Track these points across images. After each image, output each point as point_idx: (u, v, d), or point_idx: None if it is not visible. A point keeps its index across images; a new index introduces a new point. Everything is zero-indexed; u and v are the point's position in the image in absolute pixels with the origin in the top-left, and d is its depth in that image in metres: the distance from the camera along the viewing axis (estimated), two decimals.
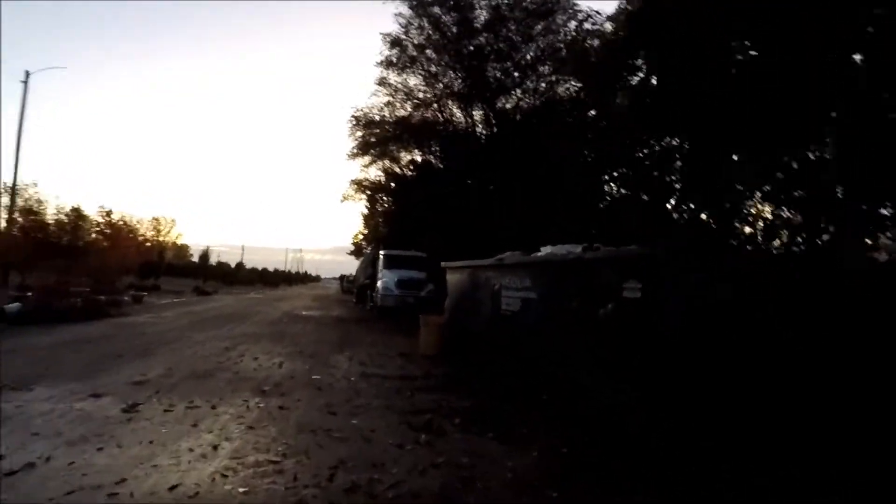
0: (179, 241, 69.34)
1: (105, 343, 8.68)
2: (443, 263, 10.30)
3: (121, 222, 27.11)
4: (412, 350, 9.71)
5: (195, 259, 71.85)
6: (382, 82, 21.36)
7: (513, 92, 19.25)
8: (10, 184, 21.76)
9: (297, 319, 15.37)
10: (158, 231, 79.82)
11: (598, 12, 15.48)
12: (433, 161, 28.60)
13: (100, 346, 8.38)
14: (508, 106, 19.73)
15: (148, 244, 35.43)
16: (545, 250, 7.15)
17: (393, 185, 33.52)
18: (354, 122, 23.00)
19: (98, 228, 23.04)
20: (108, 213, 23.18)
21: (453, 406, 5.47)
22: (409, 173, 31.63)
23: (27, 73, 23.47)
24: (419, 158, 29.22)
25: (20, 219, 23.19)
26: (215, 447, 3.73)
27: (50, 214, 22.76)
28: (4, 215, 21.40)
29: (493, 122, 20.32)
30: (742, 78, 7.77)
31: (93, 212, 27.03)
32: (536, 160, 18.10)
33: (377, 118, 22.80)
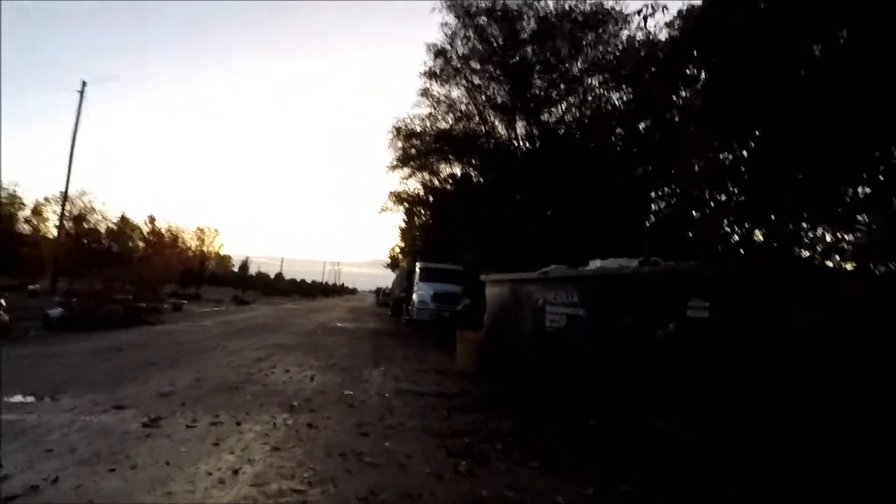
0: (222, 252, 71.36)
1: (139, 351, 8.59)
2: (482, 277, 9.87)
3: (165, 231, 27.95)
4: (448, 366, 9.29)
5: (236, 269, 73.62)
6: (425, 93, 21.22)
7: (558, 104, 18.76)
8: (62, 192, 22.50)
9: (331, 331, 15.18)
10: (202, 241, 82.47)
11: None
12: (472, 175, 28.39)
13: (133, 353, 8.28)
14: (553, 119, 19.26)
15: (191, 253, 36.25)
16: (595, 264, 6.65)
17: (431, 198, 33.50)
18: (395, 133, 22.92)
19: (143, 236, 23.62)
20: (153, 221, 23.75)
21: (494, 429, 5.01)
22: (448, 186, 31.53)
23: (83, 84, 24.41)
24: (458, 172, 29.04)
25: (70, 226, 24.05)
26: (236, 471, 3.38)
27: (97, 221, 23.44)
28: (55, 223, 22.15)
29: (537, 134, 19.87)
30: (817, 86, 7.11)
31: (140, 220, 27.99)
32: (580, 173, 17.58)
33: (418, 129, 22.66)
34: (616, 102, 17.65)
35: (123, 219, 22.85)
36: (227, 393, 5.76)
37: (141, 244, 23.77)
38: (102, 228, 23.28)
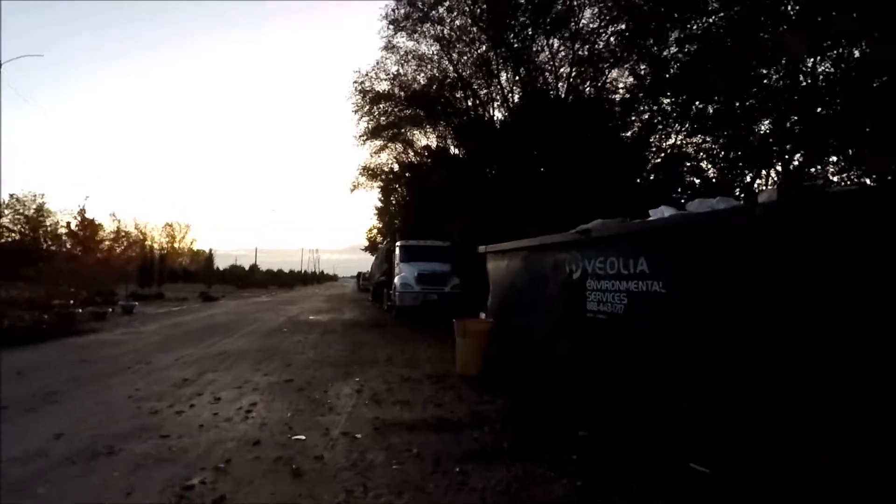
0: (195, 246, 67.93)
1: (17, 383, 6.14)
2: (481, 248, 7.59)
3: (102, 225, 24.89)
4: (446, 368, 7.07)
5: (215, 265, 70.31)
6: (390, 48, 18.60)
7: (545, 45, 16.28)
8: None
9: (300, 327, 12.81)
10: (173, 237, 78.64)
11: None
12: (451, 143, 25.91)
13: (6, 387, 5.85)
14: (541, 67, 16.82)
15: (149, 249, 33.19)
16: (660, 213, 4.43)
17: (407, 173, 30.96)
18: (360, 94, 20.17)
19: (69, 231, 20.57)
20: (82, 213, 20.68)
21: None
22: (424, 160, 28.99)
23: None
24: (434, 143, 26.52)
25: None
26: None
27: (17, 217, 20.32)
28: None
29: (521, 88, 17.45)
30: None
31: (98, 218, 25.03)
32: (576, 126, 15.32)
33: (385, 90, 20.01)
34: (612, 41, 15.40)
35: (39, 210, 19.74)
36: (88, 464, 3.41)
37: (66, 239, 20.71)
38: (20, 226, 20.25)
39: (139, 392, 5.49)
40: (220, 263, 74.70)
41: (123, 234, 26.79)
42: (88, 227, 21.22)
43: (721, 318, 3.41)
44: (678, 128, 13.48)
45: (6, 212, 20.68)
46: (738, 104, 10.22)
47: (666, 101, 14.25)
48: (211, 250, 58.28)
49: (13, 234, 19.81)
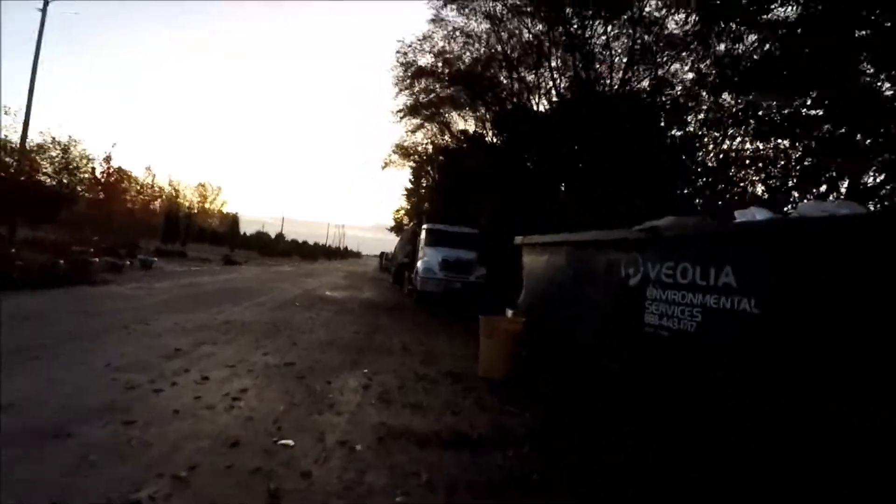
0: (224, 209, 68.51)
1: (4, 331, 5.63)
2: (518, 239, 6.79)
3: (129, 175, 24.73)
4: (467, 365, 6.35)
5: (242, 230, 71.03)
6: (437, 20, 17.67)
7: (603, 36, 15.20)
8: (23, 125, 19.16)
9: (314, 302, 12.24)
10: (204, 197, 79.48)
11: None
12: (489, 130, 24.98)
13: None
14: (600, 55, 15.75)
15: (184, 207, 33.11)
16: (750, 215, 3.59)
17: (441, 157, 30.16)
18: (402, 66, 19.31)
19: (94, 178, 20.30)
20: (108, 160, 20.39)
21: None
22: (460, 144, 28.12)
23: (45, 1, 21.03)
24: (472, 127, 25.61)
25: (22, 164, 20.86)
26: None
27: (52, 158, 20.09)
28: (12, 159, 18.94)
29: (578, 73, 16.36)
30: None
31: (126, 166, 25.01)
32: (627, 120, 14.31)
33: (429, 64, 19.14)
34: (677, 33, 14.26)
35: (66, 150, 19.40)
36: (25, 450, 2.77)
37: (90, 185, 20.41)
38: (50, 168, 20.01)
39: (124, 358, 4.90)
40: (248, 229, 75.34)
41: (150, 187, 26.53)
42: (113, 174, 20.98)
43: (850, 359, 2.58)
44: (742, 129, 12.37)
45: (41, 157, 20.54)
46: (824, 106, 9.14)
47: (728, 98, 13.16)
48: (236, 214, 58.37)
49: (49, 178, 19.72)
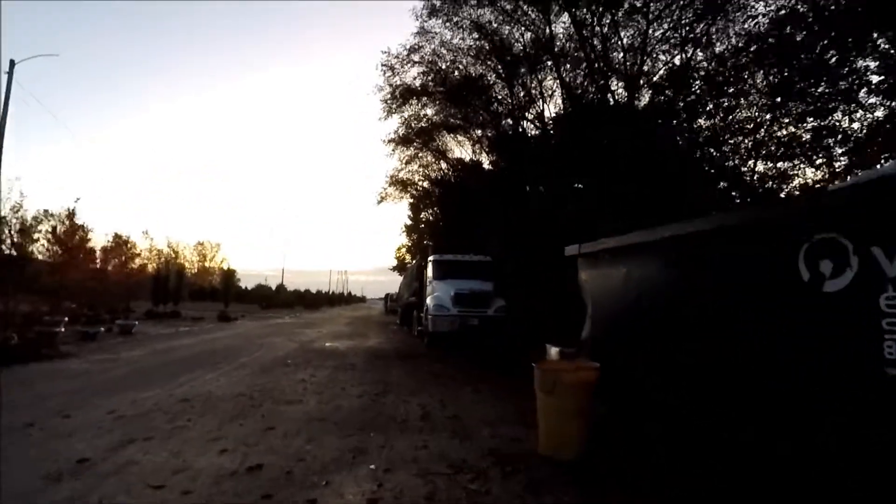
0: (224, 266, 66.93)
1: None
2: (574, 249, 4.93)
3: (116, 241, 23.14)
4: (516, 439, 4.43)
5: (243, 284, 69.32)
6: (423, 32, 16.25)
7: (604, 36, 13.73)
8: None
9: (311, 358, 10.30)
10: (203, 256, 78.11)
11: None
12: (485, 155, 23.53)
13: None
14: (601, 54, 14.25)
15: (160, 265, 31.34)
16: None
17: (437, 190, 28.69)
18: (389, 87, 17.78)
19: (52, 236, 18.47)
20: (70, 217, 18.58)
21: None
22: (457, 174, 26.67)
23: (12, 63, 19.73)
24: (469, 153, 24.16)
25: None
26: None
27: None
28: None
29: (599, 64, 14.83)
30: None
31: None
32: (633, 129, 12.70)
33: (418, 86, 17.67)
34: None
35: (16, 210, 17.57)
36: None
37: (48, 246, 18.64)
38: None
39: None
40: (249, 283, 73.58)
41: (122, 245, 24.59)
42: (76, 232, 19.16)
43: None
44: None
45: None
46: None
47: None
48: (229, 268, 56.67)
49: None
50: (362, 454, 3.95)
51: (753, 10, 11.34)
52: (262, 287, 72.73)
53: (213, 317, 27.25)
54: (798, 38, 10.56)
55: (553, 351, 7.09)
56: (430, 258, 14.80)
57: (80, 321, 17.41)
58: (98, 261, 21.26)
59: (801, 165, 12.22)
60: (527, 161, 16.49)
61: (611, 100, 13.05)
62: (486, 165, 23.37)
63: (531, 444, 4.23)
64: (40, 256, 18.51)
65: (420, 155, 23.93)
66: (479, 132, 21.35)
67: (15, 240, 16.74)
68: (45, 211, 18.13)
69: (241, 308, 42.58)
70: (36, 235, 17.56)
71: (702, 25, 12.09)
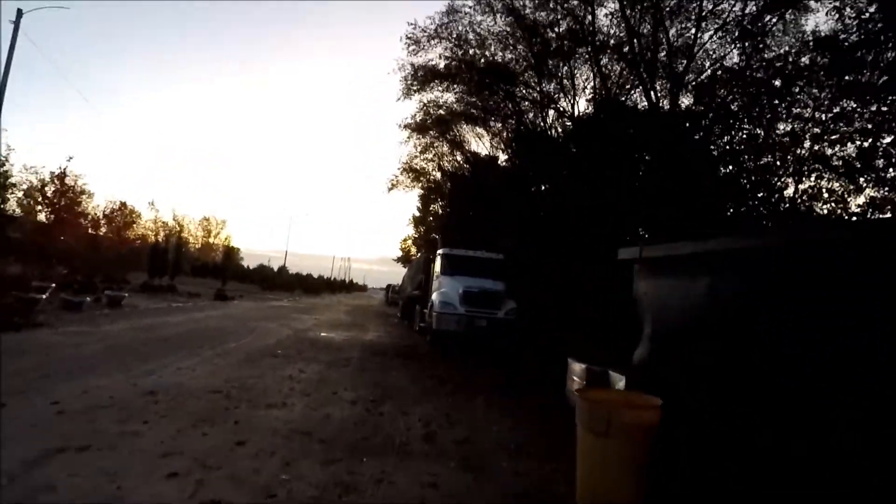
0: (229, 243, 66.37)
1: None
2: (626, 252, 4.01)
3: (118, 208, 22.29)
4: (543, 478, 3.55)
5: (245, 263, 68.78)
6: (452, 11, 15.25)
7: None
8: None
9: (303, 349, 9.44)
10: (209, 231, 77.48)
11: None
12: (503, 151, 22.59)
13: None
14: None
15: (159, 237, 30.53)
16: None
17: (449, 184, 27.78)
18: (411, 68, 16.77)
19: (44, 198, 17.57)
20: (61, 178, 17.63)
21: None
22: (468, 168, 25.74)
23: (19, 12, 18.89)
24: (487, 147, 23.21)
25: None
26: None
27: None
28: None
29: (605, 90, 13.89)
30: None
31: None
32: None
33: (442, 68, 16.67)
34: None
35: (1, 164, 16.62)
36: None
37: (39, 208, 17.72)
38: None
39: None
40: (252, 263, 72.88)
41: (118, 211, 23.58)
42: (66, 193, 18.24)
43: None
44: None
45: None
46: None
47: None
48: (229, 244, 55.90)
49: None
50: (352, 492, 3.07)
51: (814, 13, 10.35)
52: (265, 268, 71.99)
53: (211, 294, 26.48)
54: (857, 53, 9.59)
55: (577, 367, 6.19)
56: (440, 251, 13.90)
57: (72, 289, 16.63)
58: (90, 225, 20.31)
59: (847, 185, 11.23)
60: (549, 158, 15.57)
61: (651, 97, 12.06)
62: (502, 162, 22.48)
63: (564, 491, 3.35)
64: (19, 212, 17.62)
65: (436, 144, 23.02)
66: (499, 125, 20.44)
67: None
68: (27, 166, 16.98)
69: (241, 287, 41.79)
70: (13, 191, 16.62)
71: (758, 24, 11.08)
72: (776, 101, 11.09)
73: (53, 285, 15.21)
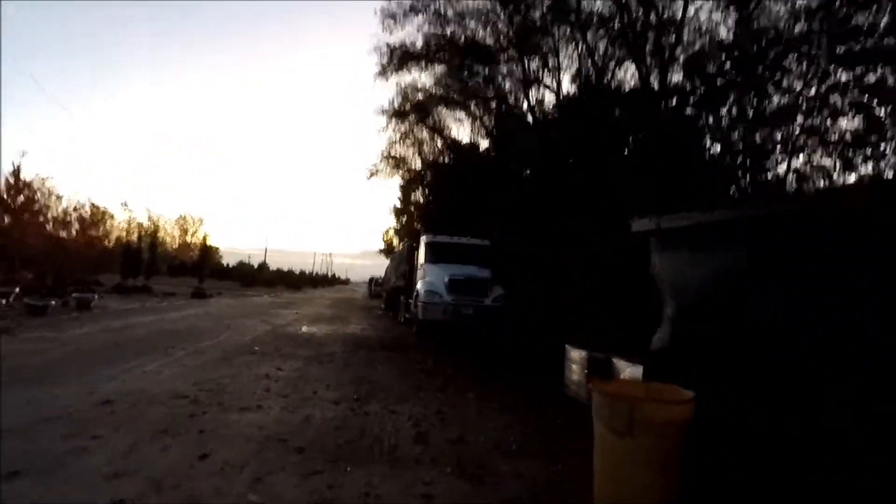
0: (207, 242, 64.93)
1: None
2: (642, 223, 3.59)
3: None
4: (550, 481, 3.14)
5: (225, 262, 67.48)
6: None
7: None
8: None
9: (282, 345, 8.93)
10: (185, 230, 75.72)
11: None
12: (483, 137, 22.11)
13: None
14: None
15: (133, 236, 29.46)
16: None
17: (429, 173, 27.22)
18: (388, 49, 16.14)
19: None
20: (16, 174, 16.68)
21: None
22: (448, 158, 25.23)
23: None
24: (468, 133, 22.72)
25: None
26: None
27: None
28: None
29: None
30: None
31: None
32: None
33: (419, 46, 16.06)
34: None
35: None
36: None
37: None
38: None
39: None
40: (232, 261, 71.46)
41: (81, 209, 22.48)
42: (22, 191, 17.25)
43: None
44: None
45: None
46: None
47: None
48: (206, 242, 54.67)
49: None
50: None
51: None
52: (244, 265, 70.65)
53: (188, 293, 25.69)
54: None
55: (576, 355, 5.81)
56: (423, 239, 13.43)
57: (40, 293, 15.81)
58: (58, 226, 19.34)
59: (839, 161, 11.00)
60: (533, 141, 15.17)
61: (642, 73, 11.68)
62: (483, 147, 22.01)
63: (575, 493, 2.96)
64: None
65: (415, 131, 22.41)
66: (480, 109, 19.93)
67: None
68: None
69: (221, 285, 40.80)
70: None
71: None
72: (767, 74, 10.81)
73: (17, 289, 14.43)
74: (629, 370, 4.63)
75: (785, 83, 10.89)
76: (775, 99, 11.39)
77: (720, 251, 2.79)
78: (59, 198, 20.54)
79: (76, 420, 3.81)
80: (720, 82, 11.49)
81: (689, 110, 12.09)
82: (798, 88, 10.50)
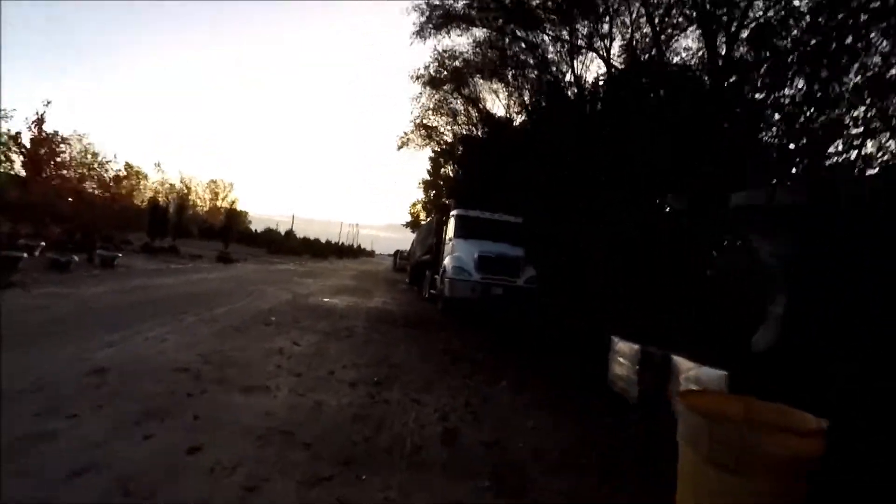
0: (237, 207, 65.50)
1: None
2: (741, 197, 2.84)
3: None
4: None
5: (253, 227, 68.27)
6: None
7: None
8: None
9: (300, 317, 8.45)
10: (216, 194, 76.47)
11: None
12: (518, 114, 21.15)
13: None
14: None
15: (160, 197, 29.45)
16: None
17: (461, 147, 26.38)
18: (427, 9, 15.25)
19: (18, 146, 16.28)
20: (39, 123, 16.30)
21: None
22: (483, 129, 24.30)
23: None
24: (502, 107, 21.77)
25: None
26: None
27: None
28: None
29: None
30: None
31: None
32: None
33: (459, 7, 15.12)
34: None
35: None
36: None
37: (16, 158, 16.46)
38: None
39: None
40: (260, 227, 72.09)
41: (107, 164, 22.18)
42: (46, 143, 16.92)
43: None
44: None
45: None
46: None
47: None
48: (234, 206, 54.95)
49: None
50: None
51: None
52: (272, 231, 71.09)
53: (214, 256, 25.67)
54: None
55: (625, 348, 5.13)
56: (453, 213, 12.76)
57: (67, 248, 15.71)
58: (74, 179, 19.16)
59: None
60: (576, 113, 14.25)
61: (695, 46, 10.66)
62: (518, 122, 21.07)
63: None
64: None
65: (449, 101, 21.55)
66: (519, 80, 18.98)
67: None
68: None
69: (248, 251, 40.96)
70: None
71: None
72: (845, 50, 9.64)
73: (43, 244, 14.32)
74: (692, 371, 3.95)
75: (863, 59, 9.72)
76: (848, 78, 10.24)
77: (869, 236, 2.06)
78: (94, 154, 20.42)
79: (56, 394, 3.32)
80: (791, 59, 10.35)
81: (750, 87, 11.01)
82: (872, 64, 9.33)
